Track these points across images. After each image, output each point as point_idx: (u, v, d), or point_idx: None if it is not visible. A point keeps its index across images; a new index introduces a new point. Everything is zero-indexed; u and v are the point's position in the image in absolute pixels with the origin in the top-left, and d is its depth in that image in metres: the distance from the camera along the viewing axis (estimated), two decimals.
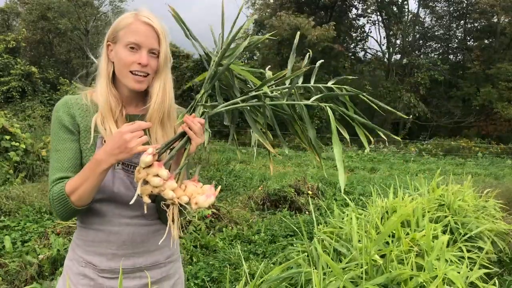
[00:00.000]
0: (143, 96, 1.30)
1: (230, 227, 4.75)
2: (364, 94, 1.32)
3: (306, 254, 2.16)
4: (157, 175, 1.04)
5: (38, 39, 26.02)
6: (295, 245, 3.06)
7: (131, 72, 1.19)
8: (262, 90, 1.28)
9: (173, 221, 1.07)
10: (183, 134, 1.15)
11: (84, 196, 1.11)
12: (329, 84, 1.39)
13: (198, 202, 1.07)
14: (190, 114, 1.17)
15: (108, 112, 1.20)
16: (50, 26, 25.22)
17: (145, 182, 1.05)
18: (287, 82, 1.36)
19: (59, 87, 20.49)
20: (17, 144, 6.76)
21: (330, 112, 1.23)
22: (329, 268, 1.76)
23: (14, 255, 3.47)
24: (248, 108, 1.30)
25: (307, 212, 5.73)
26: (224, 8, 1.31)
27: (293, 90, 1.34)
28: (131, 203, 1.05)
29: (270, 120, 1.31)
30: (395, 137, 1.32)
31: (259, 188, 6.58)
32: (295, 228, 2.92)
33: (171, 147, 1.15)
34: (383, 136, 1.27)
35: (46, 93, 20.12)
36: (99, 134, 1.19)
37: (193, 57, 20.63)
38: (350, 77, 1.63)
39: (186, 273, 3.30)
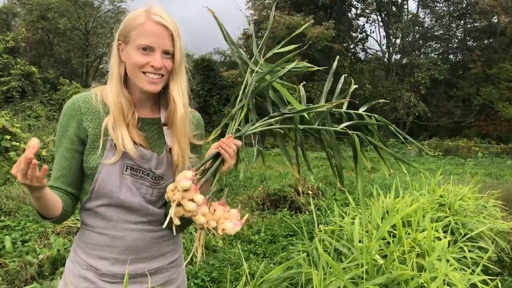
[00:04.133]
0: (157, 98, 1.25)
1: (228, 234, 4.74)
2: (393, 125, 1.37)
3: (306, 254, 2.16)
4: (192, 200, 1.03)
5: (38, 39, 26.00)
6: (295, 245, 3.06)
7: (143, 73, 1.13)
8: (299, 114, 1.29)
9: (199, 244, 1.09)
10: (217, 155, 1.14)
11: (40, 210, 1.09)
12: (360, 111, 1.41)
13: (226, 229, 1.07)
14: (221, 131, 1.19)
15: (119, 115, 1.14)
16: (50, 26, 25.21)
17: (178, 204, 1.04)
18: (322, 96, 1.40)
19: (59, 87, 20.49)
20: (17, 144, 6.75)
21: (357, 140, 1.25)
22: (330, 268, 1.76)
23: (14, 255, 3.46)
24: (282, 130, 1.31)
25: (307, 212, 5.72)
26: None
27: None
28: (164, 226, 1.03)
29: (300, 143, 1.32)
30: (421, 170, 1.44)
31: (259, 188, 6.57)
32: (295, 228, 2.91)
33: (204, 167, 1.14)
34: (403, 169, 1.36)
35: (46, 93, 20.12)
36: (109, 137, 1.15)
37: (193, 57, 20.64)
38: (382, 100, 1.70)
39: (186, 273, 3.29)
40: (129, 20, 1.15)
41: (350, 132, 1.26)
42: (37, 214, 1.13)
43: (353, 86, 1.44)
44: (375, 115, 1.39)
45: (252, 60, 1.36)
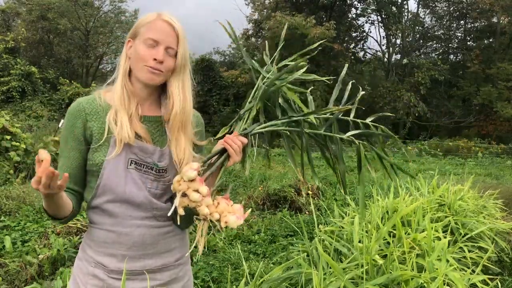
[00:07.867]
0: (158, 97, 1.29)
1: (230, 227, 4.75)
2: (397, 138, 1.42)
3: (306, 254, 2.16)
4: (197, 191, 1.06)
5: (38, 39, 26.01)
6: (295, 245, 3.06)
7: (145, 66, 1.19)
8: (306, 117, 1.31)
9: (201, 236, 1.11)
10: (223, 150, 1.18)
11: (52, 212, 1.14)
12: (368, 120, 1.44)
13: (228, 222, 1.11)
14: (231, 129, 1.22)
15: (122, 106, 1.19)
16: (50, 26, 25.23)
17: (184, 194, 1.07)
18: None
19: (59, 87, 20.50)
20: (17, 144, 6.75)
21: (362, 149, 1.29)
22: (330, 268, 1.76)
23: (14, 255, 3.47)
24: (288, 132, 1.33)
25: (307, 212, 5.72)
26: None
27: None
28: (169, 214, 1.07)
29: (305, 147, 1.34)
30: (413, 177, 1.49)
31: (259, 188, 6.57)
32: (295, 228, 2.92)
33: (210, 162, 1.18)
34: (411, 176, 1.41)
35: (46, 93, 20.14)
36: (112, 134, 1.18)
37: (193, 58, 20.67)
38: (388, 114, 1.71)
39: None
40: (140, 20, 1.25)
41: (356, 141, 1.30)
42: (48, 216, 1.17)
43: (361, 93, 1.47)
44: (381, 126, 1.43)
45: (264, 69, 1.41)
